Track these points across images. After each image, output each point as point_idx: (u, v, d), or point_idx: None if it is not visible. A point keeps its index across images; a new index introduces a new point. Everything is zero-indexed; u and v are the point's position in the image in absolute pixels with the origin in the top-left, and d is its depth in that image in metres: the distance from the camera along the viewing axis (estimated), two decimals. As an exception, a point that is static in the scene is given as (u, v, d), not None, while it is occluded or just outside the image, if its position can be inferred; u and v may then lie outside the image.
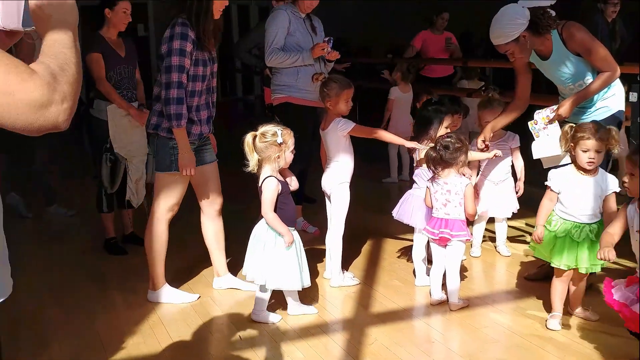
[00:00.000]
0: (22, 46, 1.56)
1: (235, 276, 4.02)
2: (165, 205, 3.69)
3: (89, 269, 4.43)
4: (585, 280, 3.44)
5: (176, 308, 3.72)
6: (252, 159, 3.34)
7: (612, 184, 3.27)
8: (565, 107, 3.68)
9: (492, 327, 3.42)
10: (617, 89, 3.77)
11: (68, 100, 1.29)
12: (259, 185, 3.37)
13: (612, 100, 3.75)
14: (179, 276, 4.15)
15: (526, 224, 5.13)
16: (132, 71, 4.64)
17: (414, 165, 4.14)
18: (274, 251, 3.36)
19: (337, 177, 3.95)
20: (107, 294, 4.00)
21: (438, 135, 3.85)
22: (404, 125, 6.38)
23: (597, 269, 3.37)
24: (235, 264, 4.07)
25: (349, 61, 7.58)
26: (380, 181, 6.92)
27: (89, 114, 4.63)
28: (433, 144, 3.68)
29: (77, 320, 3.60)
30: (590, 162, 3.22)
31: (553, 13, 3.66)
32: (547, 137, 3.75)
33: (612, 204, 3.26)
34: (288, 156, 3.39)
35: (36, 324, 3.51)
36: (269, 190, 3.33)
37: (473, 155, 3.97)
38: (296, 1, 4.58)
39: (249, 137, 3.33)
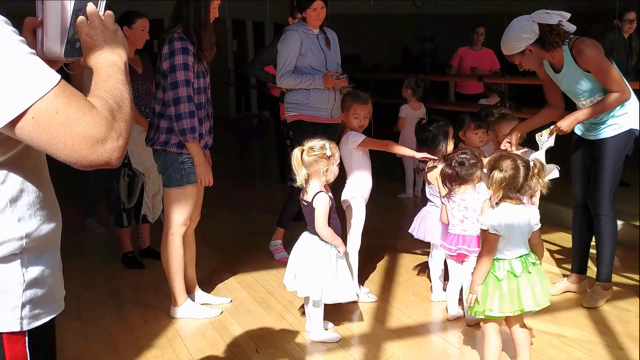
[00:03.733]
0: (77, 73, 1.56)
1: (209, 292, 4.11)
2: (179, 220, 3.70)
3: (107, 283, 4.47)
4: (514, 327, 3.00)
5: (194, 322, 3.73)
6: (300, 174, 3.34)
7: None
8: (566, 122, 3.62)
9: (507, 343, 3.40)
10: (631, 107, 3.69)
11: (123, 138, 1.29)
12: (310, 200, 3.37)
13: (624, 118, 3.68)
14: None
15: (543, 240, 5.09)
16: (148, 87, 4.69)
17: (425, 182, 4.15)
18: (328, 265, 3.35)
19: (352, 191, 3.95)
20: (125, 308, 4.03)
21: (448, 149, 3.85)
22: (414, 143, 6.29)
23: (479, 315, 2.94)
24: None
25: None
26: (395, 196, 6.92)
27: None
28: (446, 161, 3.68)
29: (95, 333, 3.64)
30: None
31: (572, 28, 3.58)
32: (544, 150, 3.69)
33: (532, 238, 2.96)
34: (335, 170, 3.40)
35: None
36: (323, 206, 3.34)
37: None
38: (306, 18, 4.60)
39: (297, 152, 3.34)
